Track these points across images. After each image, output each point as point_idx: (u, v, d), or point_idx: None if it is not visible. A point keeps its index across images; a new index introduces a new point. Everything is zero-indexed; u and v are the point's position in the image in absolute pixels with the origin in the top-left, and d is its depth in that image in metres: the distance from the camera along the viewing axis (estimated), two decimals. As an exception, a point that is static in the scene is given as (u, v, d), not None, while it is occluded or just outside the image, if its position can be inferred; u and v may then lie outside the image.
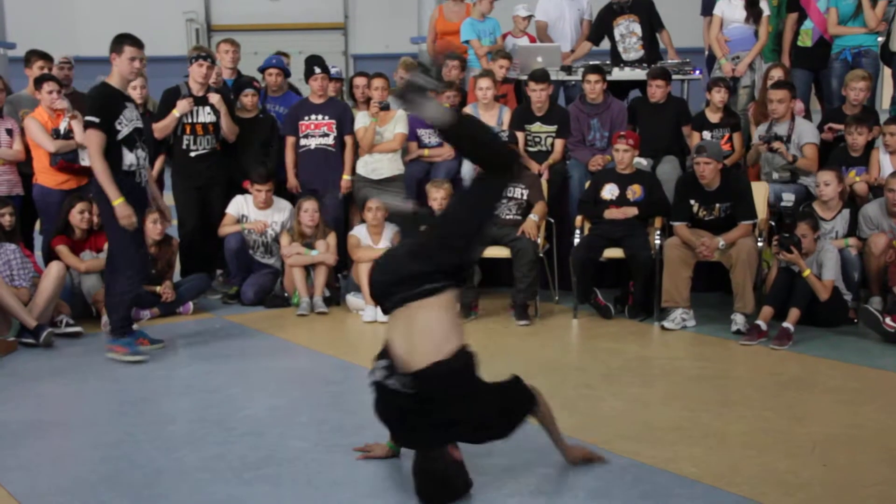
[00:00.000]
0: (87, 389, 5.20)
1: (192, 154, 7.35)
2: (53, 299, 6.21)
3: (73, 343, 6.11)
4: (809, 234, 6.24)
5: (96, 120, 5.49)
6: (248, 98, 7.64)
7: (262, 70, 8.27)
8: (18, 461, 4.04)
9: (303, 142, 7.57)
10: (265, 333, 6.39)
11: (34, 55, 7.57)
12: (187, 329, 6.53)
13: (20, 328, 6.01)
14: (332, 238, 7.22)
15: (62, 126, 6.93)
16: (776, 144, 7.00)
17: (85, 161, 7.02)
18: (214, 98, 7.32)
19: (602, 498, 3.55)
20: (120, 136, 5.54)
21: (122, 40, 5.62)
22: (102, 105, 5.58)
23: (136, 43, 5.64)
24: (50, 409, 4.97)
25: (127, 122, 5.59)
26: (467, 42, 8.77)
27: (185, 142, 7.34)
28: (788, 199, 7.05)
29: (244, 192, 7.47)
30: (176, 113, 7.19)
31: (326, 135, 7.54)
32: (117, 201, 5.48)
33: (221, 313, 7.04)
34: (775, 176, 7.14)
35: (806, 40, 8.07)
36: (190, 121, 7.30)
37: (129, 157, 5.59)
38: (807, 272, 6.07)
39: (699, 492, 3.63)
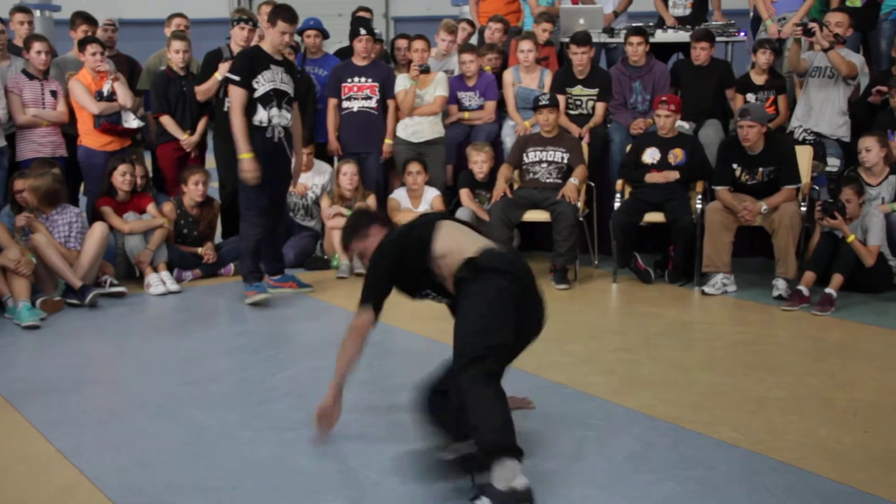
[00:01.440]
0: (130, 348, 5.28)
1: (233, 116, 7.38)
2: (97, 259, 6.30)
3: (116, 303, 6.19)
4: (854, 199, 6.14)
5: (236, 78, 5.94)
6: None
7: (300, 32, 8.26)
8: (65, 417, 4.12)
9: (345, 104, 7.55)
10: (305, 296, 6.44)
11: (79, 17, 7.62)
12: (228, 290, 6.60)
13: (66, 288, 6.11)
14: (371, 200, 7.24)
15: (105, 88, 6.98)
16: (811, 26, 6.81)
17: (128, 123, 7.10)
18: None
19: (640, 460, 3.55)
20: (256, 95, 5.95)
21: (278, 14, 5.98)
22: (242, 65, 6.00)
23: (290, 19, 5.99)
24: (95, 367, 5.06)
25: (265, 82, 5.96)
26: None
27: (226, 104, 7.35)
28: (833, 163, 6.93)
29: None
30: (218, 76, 7.21)
31: (369, 97, 7.51)
32: (243, 155, 5.94)
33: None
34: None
35: (855, 0, 7.87)
36: (231, 83, 7.32)
37: (261, 114, 5.97)
38: (851, 238, 5.99)
39: (739, 456, 3.62)
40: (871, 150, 6.39)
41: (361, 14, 8.53)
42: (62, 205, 6.36)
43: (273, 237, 6.45)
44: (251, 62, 6.01)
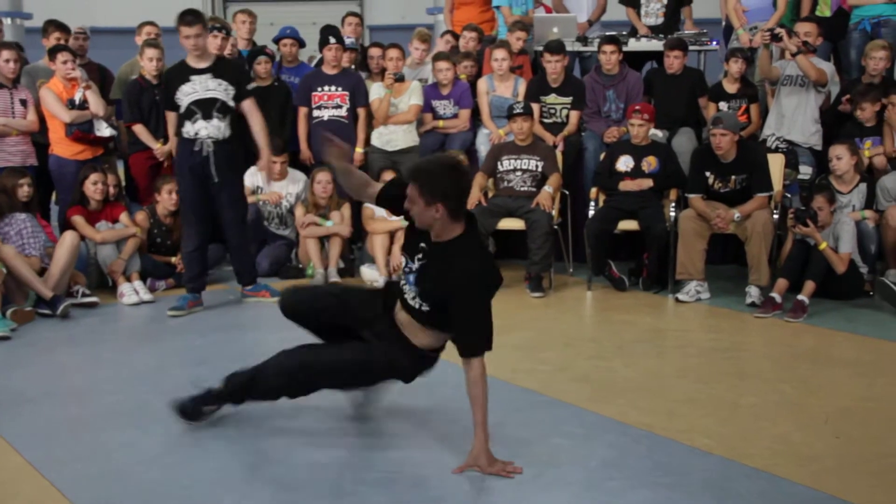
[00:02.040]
0: (102, 358, 5.24)
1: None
2: (68, 269, 6.24)
3: (88, 313, 6.14)
4: (826, 206, 6.20)
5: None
6: (260, 66, 7.62)
7: (276, 41, 8.25)
8: (36, 428, 4.08)
9: (315, 113, 7.54)
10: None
11: (51, 25, 7.57)
12: (207, 299, 6.55)
13: (37, 298, 6.05)
14: (346, 209, 7.22)
15: (77, 96, 6.93)
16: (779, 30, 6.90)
17: (100, 131, 7.05)
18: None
19: (615, 468, 3.56)
20: (180, 111, 5.90)
21: (178, 19, 5.87)
22: (165, 87, 6.07)
23: (187, 22, 5.81)
24: (66, 377, 5.02)
25: (184, 96, 5.86)
26: (498, 8, 8.69)
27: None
28: (805, 171, 7.00)
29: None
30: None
31: (339, 106, 7.50)
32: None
33: (236, 284, 7.02)
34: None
35: (825, 10, 7.94)
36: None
37: (187, 127, 5.90)
38: (823, 245, 6.04)
39: (712, 463, 3.64)
40: (841, 157, 6.45)
41: (349, 20, 8.55)
42: (8, 215, 6.29)
43: (234, 250, 6.46)
44: (168, 82, 6.00)
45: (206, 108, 5.88)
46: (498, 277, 3.57)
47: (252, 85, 7.47)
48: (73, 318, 5.95)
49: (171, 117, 5.91)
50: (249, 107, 6.08)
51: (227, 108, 5.94)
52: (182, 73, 5.93)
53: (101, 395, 4.55)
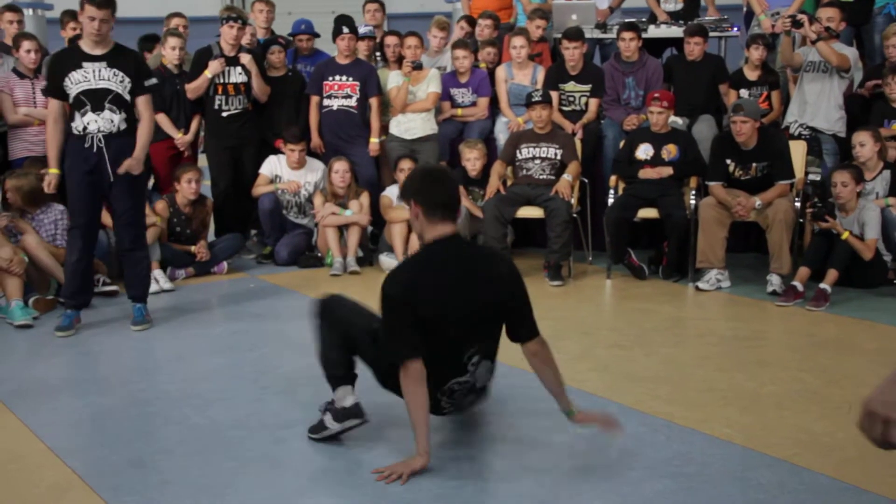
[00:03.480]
0: (123, 347, 5.26)
1: (224, 114, 7.36)
2: (89, 258, 6.26)
3: (109, 302, 6.17)
4: (851, 183, 6.11)
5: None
6: (274, 56, 7.64)
7: (292, 36, 8.26)
8: (57, 416, 4.11)
9: (326, 102, 7.54)
10: (298, 293, 6.42)
11: (67, 16, 7.60)
12: (221, 289, 6.59)
13: (58, 286, 6.09)
14: (364, 198, 7.22)
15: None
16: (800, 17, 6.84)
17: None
18: (245, 58, 7.32)
19: (634, 458, 3.54)
20: (70, 100, 5.28)
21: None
22: (48, 71, 5.48)
23: (97, 2, 5.10)
24: (87, 366, 5.04)
25: (72, 85, 5.22)
26: None
27: (217, 102, 7.35)
28: (815, 171, 6.92)
29: (277, 151, 7.49)
30: (207, 73, 7.20)
31: (349, 96, 7.50)
32: (49, 170, 5.51)
33: (255, 273, 7.08)
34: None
35: (848, -6, 7.86)
36: (221, 81, 7.31)
37: (77, 121, 5.27)
38: (845, 235, 5.98)
39: (733, 453, 3.62)
40: (865, 144, 6.38)
41: (369, 7, 8.54)
42: (47, 204, 6.32)
43: (126, 256, 5.68)
44: (55, 66, 5.33)
45: (97, 99, 5.22)
46: (395, 288, 3.42)
47: (267, 74, 7.51)
48: (93, 307, 5.97)
49: (52, 105, 5.28)
50: (142, 104, 5.40)
51: (121, 100, 5.29)
52: (74, 58, 5.27)
53: (122, 384, 4.58)
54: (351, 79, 7.49)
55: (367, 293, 6.50)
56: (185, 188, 6.85)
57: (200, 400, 4.28)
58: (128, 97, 5.32)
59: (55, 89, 5.30)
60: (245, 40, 7.47)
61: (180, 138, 7.29)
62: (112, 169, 5.28)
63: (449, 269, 3.50)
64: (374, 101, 7.52)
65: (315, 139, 7.62)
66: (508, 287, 3.58)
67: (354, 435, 3.75)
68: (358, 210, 7.12)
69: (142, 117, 5.41)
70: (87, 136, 5.24)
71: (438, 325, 3.43)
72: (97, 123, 5.24)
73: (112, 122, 5.26)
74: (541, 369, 3.60)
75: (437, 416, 3.61)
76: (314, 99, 7.58)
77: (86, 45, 5.27)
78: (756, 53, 7.37)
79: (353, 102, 7.50)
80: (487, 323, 3.58)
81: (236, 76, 7.34)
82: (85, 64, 5.22)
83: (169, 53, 7.28)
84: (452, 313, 3.45)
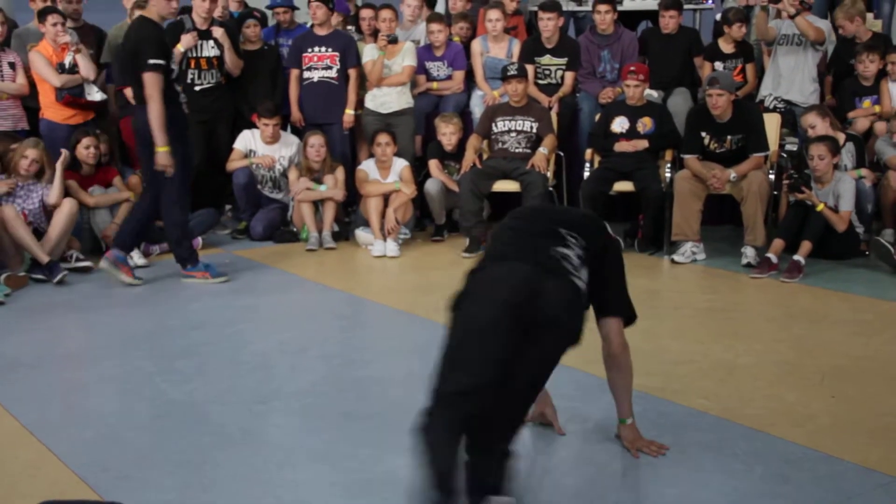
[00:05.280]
0: (97, 324, 5.22)
1: (197, 88, 7.27)
2: (66, 235, 6.21)
3: (83, 278, 6.12)
4: (828, 156, 6.11)
5: (161, 62, 5.52)
6: (249, 29, 7.56)
7: (270, 8, 8.17)
8: (30, 393, 4.07)
9: (306, 74, 7.47)
10: (274, 268, 6.40)
11: (35, -12, 7.46)
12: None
13: (31, 263, 6.03)
14: (340, 173, 7.17)
15: (67, 60, 6.85)
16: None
17: (91, 96, 6.98)
18: (218, 32, 7.23)
19: (610, 429, 3.55)
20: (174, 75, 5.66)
21: None
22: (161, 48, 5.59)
23: None
24: (61, 342, 5.01)
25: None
26: None
27: (190, 76, 7.26)
28: (792, 142, 6.94)
29: (252, 126, 7.42)
30: (180, 48, 7.10)
31: (329, 67, 7.43)
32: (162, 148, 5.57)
33: (230, 248, 7.03)
34: None
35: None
36: (194, 55, 7.22)
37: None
38: (820, 206, 6.01)
39: (708, 423, 3.64)
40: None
41: None
42: (34, 182, 6.26)
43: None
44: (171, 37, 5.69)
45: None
46: None
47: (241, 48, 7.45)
48: (67, 283, 5.93)
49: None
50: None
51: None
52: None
53: (95, 360, 4.55)
54: (330, 49, 7.42)
55: (342, 267, 6.53)
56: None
57: (176, 375, 4.26)
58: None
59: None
60: (217, 13, 7.38)
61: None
62: None
63: None
64: (353, 73, 7.45)
65: (295, 113, 7.55)
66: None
67: (332, 409, 3.75)
68: (333, 185, 7.08)
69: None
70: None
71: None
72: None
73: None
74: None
75: None
76: (294, 72, 7.50)
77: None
78: (739, 32, 7.34)
79: (333, 74, 7.42)
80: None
81: (209, 50, 7.25)
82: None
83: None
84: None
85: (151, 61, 5.47)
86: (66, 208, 6.22)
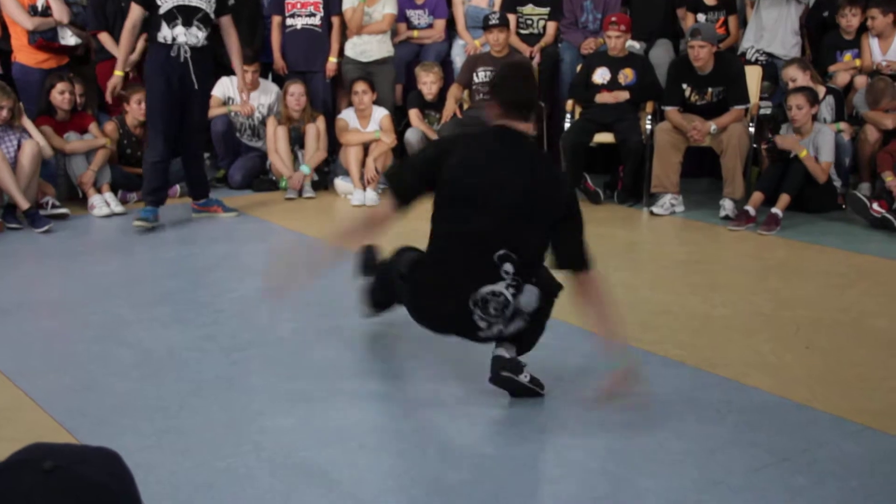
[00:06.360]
0: (74, 271, 5.19)
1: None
2: (34, 177, 6.09)
3: (59, 225, 6.06)
4: (806, 106, 6.11)
5: None
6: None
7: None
8: (8, 340, 4.05)
9: (289, 21, 7.37)
10: (253, 217, 6.37)
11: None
12: (174, 212, 6.47)
13: (4, 210, 5.95)
14: (321, 122, 7.12)
15: (39, 2, 6.72)
16: None
17: (65, 40, 6.87)
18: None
19: (587, 378, 3.58)
20: (160, 11, 5.68)
21: None
22: None
23: None
24: (38, 289, 4.97)
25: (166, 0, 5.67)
26: None
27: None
28: (766, 105, 6.92)
29: (230, 73, 7.32)
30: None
31: (313, 14, 7.34)
32: (117, 72, 6.02)
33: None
34: None
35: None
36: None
37: (164, 31, 5.71)
38: (804, 153, 6.01)
39: (684, 373, 3.68)
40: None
41: None
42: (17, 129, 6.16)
43: (193, 160, 6.24)
44: None
45: (187, 15, 5.70)
46: (439, 136, 3.73)
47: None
48: (47, 233, 5.87)
49: (136, 11, 5.70)
50: (227, 23, 5.99)
51: (207, 19, 5.80)
52: None
53: (73, 307, 4.53)
54: None
55: (321, 216, 6.51)
56: (136, 109, 6.71)
57: (155, 323, 4.26)
58: (213, 17, 5.83)
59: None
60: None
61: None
62: (196, 79, 5.82)
63: (500, 148, 3.25)
64: (336, 20, 7.35)
65: (278, 60, 7.46)
66: (556, 192, 3.30)
67: (310, 357, 3.76)
68: (314, 135, 7.00)
69: (229, 34, 6.00)
70: (174, 46, 5.70)
71: (461, 197, 3.22)
72: (185, 37, 5.71)
73: (198, 37, 5.76)
74: (583, 309, 3.41)
75: (476, 344, 3.44)
76: (276, 19, 7.39)
77: None
78: None
79: (317, 21, 7.32)
80: (520, 220, 3.21)
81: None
82: None
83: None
84: (481, 189, 3.18)
85: None
86: (28, 149, 6.06)
